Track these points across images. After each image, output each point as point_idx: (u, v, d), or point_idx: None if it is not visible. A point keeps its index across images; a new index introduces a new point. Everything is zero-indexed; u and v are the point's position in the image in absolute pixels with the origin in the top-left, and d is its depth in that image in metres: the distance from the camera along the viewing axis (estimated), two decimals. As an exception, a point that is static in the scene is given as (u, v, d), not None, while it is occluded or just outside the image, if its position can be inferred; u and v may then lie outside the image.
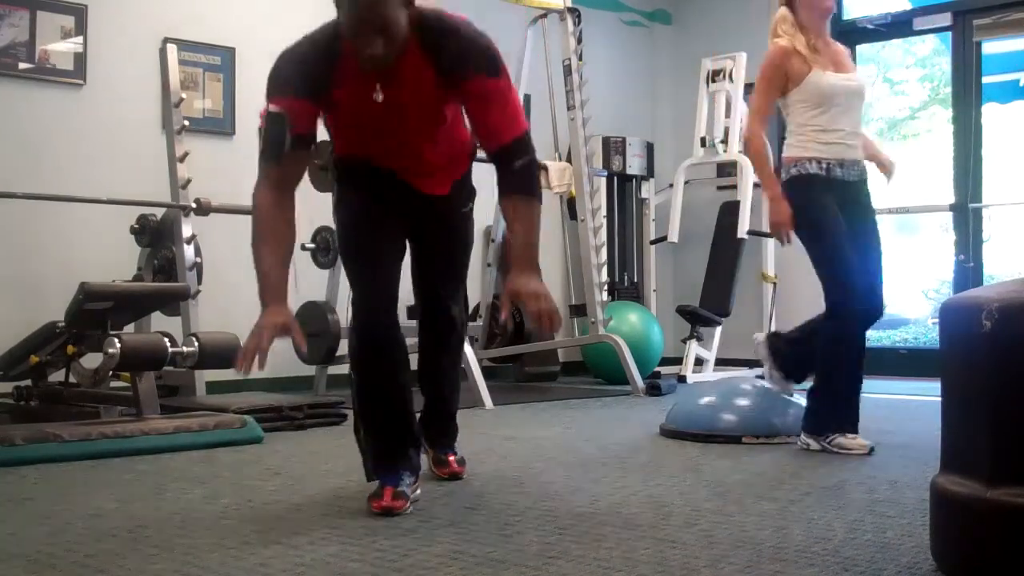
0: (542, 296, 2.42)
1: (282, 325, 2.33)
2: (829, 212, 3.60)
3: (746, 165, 6.94)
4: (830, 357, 3.63)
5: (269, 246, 2.39)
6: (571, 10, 6.11)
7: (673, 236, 7.15)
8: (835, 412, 3.62)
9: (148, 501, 2.79)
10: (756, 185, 7.10)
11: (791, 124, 3.69)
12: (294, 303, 5.66)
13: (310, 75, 2.41)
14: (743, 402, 4.02)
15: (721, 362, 7.05)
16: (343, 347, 5.23)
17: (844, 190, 3.65)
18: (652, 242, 7.66)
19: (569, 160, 6.28)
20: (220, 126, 5.77)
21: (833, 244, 3.58)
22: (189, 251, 4.95)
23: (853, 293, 3.56)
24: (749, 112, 3.83)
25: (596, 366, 6.70)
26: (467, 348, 4.62)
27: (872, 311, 3.67)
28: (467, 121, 2.68)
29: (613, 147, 7.42)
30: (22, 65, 5.10)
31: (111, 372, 4.09)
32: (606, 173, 7.35)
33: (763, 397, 4.05)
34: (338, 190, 2.75)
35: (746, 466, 3.36)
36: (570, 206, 6.49)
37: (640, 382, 5.83)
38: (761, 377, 4.18)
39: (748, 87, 7.10)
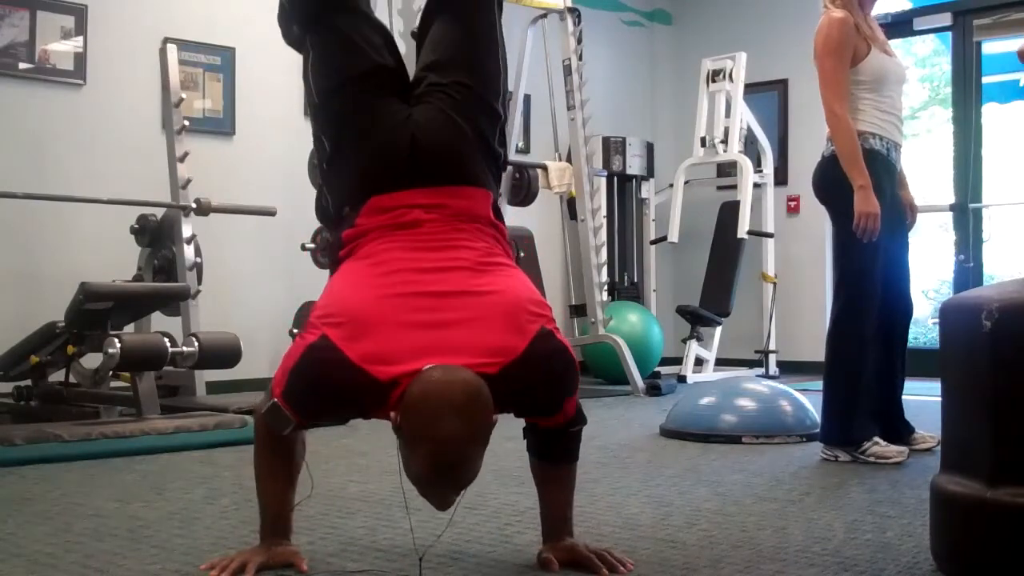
0: (605, 552, 2.07)
1: (262, 565, 1.99)
2: (885, 198, 3.38)
3: (746, 165, 6.95)
4: (855, 360, 3.41)
5: (271, 472, 2.05)
6: (571, 10, 6.11)
7: (673, 236, 7.15)
8: (863, 418, 3.41)
9: (148, 501, 2.79)
10: (756, 185, 7.14)
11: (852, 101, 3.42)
12: (293, 303, 5.64)
13: (333, 412, 2.09)
14: (743, 402, 4.02)
15: (721, 362, 7.05)
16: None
17: (894, 176, 3.51)
18: (652, 242, 7.66)
19: (569, 160, 6.28)
20: (220, 126, 5.77)
21: (875, 241, 3.36)
22: (189, 251, 4.95)
23: (875, 290, 3.40)
24: (827, 92, 3.40)
25: (596, 366, 6.69)
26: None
27: (907, 310, 3.61)
28: None
29: (613, 147, 7.41)
30: (22, 65, 5.10)
31: (111, 372, 4.09)
32: (606, 173, 7.35)
33: (763, 397, 4.06)
34: None
35: (746, 466, 3.36)
36: (570, 206, 6.49)
37: (640, 382, 5.83)
38: (763, 376, 4.17)
39: (748, 87, 7.12)
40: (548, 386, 1.97)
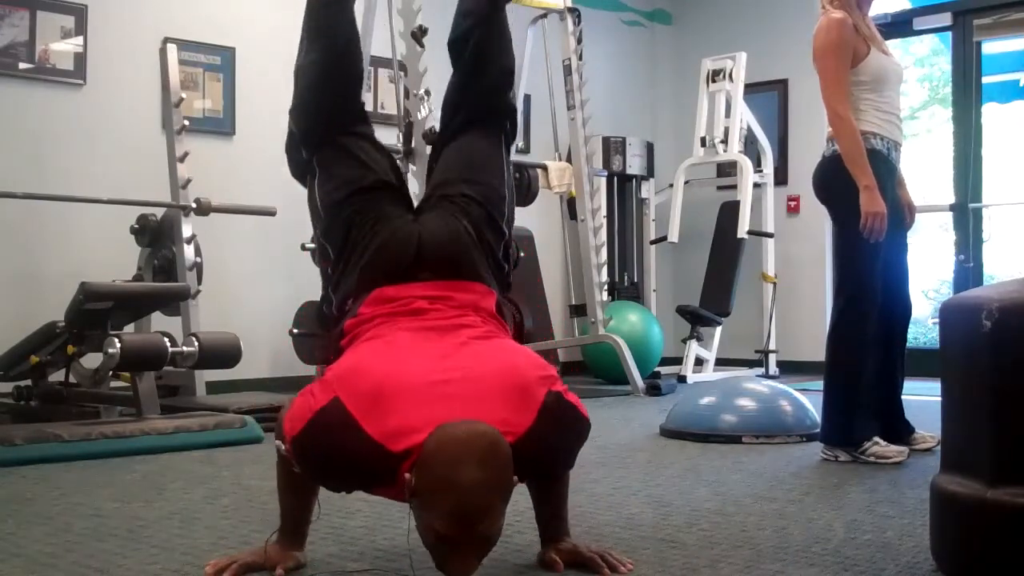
0: (606, 552, 2.09)
1: (267, 565, 2.01)
2: (887, 199, 3.37)
3: (746, 165, 6.95)
4: (856, 360, 3.41)
5: (288, 486, 2.05)
6: (571, 10, 6.11)
7: (673, 236, 7.15)
8: (863, 418, 3.42)
9: (148, 501, 2.79)
10: (756, 185, 7.14)
11: (855, 102, 3.42)
12: (293, 304, 5.64)
13: (338, 481, 1.96)
14: (743, 402, 4.02)
15: (721, 362, 7.05)
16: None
17: (895, 176, 3.53)
18: (652, 242, 7.66)
19: (569, 160, 6.28)
20: (220, 126, 5.77)
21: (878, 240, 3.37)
22: (189, 251, 4.95)
23: (876, 291, 3.41)
24: (829, 93, 3.40)
25: (596, 366, 6.70)
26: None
27: (905, 311, 3.62)
28: None
29: (613, 147, 7.42)
30: (22, 65, 5.10)
31: (111, 372, 4.09)
32: (606, 173, 7.35)
33: (763, 397, 4.06)
34: None
35: (746, 466, 3.36)
36: (570, 206, 6.49)
37: (640, 382, 5.83)
38: (763, 376, 4.17)
39: (748, 87, 7.13)
40: (560, 453, 2.01)
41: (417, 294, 2.07)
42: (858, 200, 3.32)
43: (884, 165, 3.43)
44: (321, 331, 2.36)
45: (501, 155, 2.34)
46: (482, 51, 2.37)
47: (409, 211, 2.21)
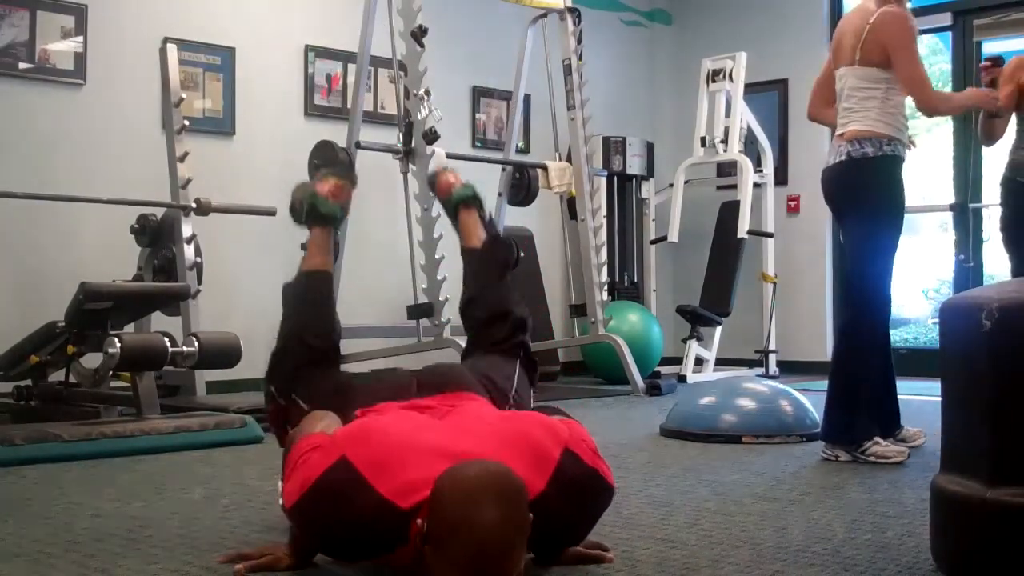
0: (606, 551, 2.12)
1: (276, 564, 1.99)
2: (902, 204, 3.49)
3: (746, 165, 6.95)
4: (864, 362, 3.45)
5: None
6: (571, 10, 6.11)
7: (673, 236, 7.15)
8: (865, 418, 3.44)
9: (148, 501, 2.79)
10: (756, 185, 7.14)
11: (876, 99, 3.43)
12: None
13: (343, 547, 1.90)
14: (743, 402, 4.02)
15: (721, 362, 7.05)
16: (342, 348, 5.22)
17: None
18: (652, 242, 7.66)
19: (569, 160, 6.28)
20: (220, 126, 5.77)
21: (897, 239, 3.46)
22: (189, 251, 4.95)
23: (888, 295, 3.48)
24: (916, 83, 3.39)
25: (596, 366, 6.70)
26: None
27: (890, 307, 3.65)
28: None
29: (613, 147, 7.41)
30: (22, 65, 5.10)
31: (111, 372, 4.09)
32: (606, 173, 7.35)
33: (763, 397, 4.06)
34: None
35: (746, 466, 3.36)
36: (570, 206, 6.48)
37: (640, 382, 5.83)
38: (763, 376, 4.17)
39: (748, 87, 7.12)
40: (576, 522, 1.93)
41: (417, 404, 2.14)
42: (884, 202, 3.41)
43: (901, 170, 3.48)
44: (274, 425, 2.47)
45: (512, 373, 2.46)
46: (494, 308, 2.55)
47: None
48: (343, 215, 2.57)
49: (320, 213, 2.51)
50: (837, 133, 3.57)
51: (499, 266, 2.63)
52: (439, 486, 1.64)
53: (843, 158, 3.46)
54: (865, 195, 3.43)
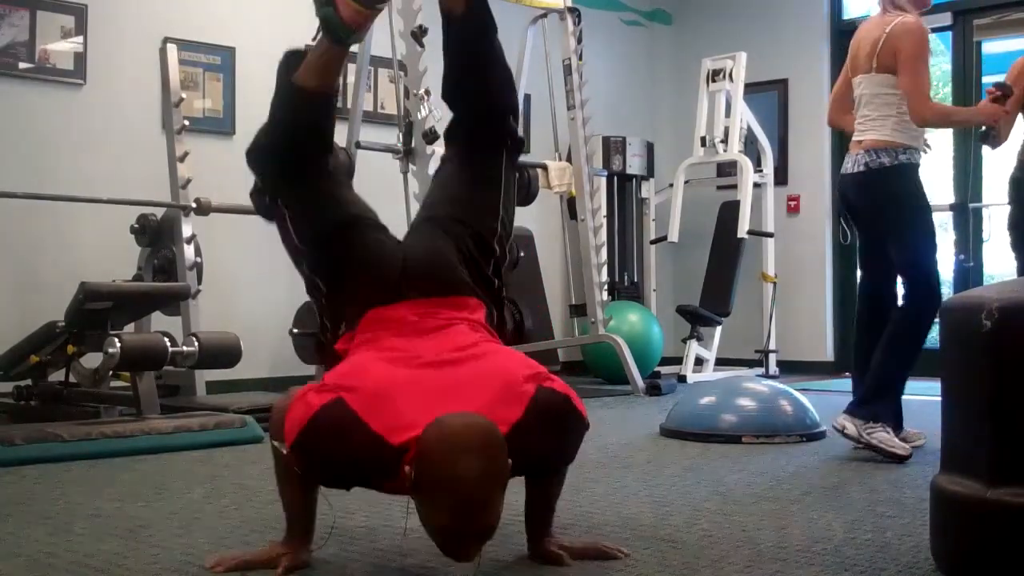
0: (598, 541, 2.20)
1: (277, 561, 2.03)
2: (928, 206, 3.60)
3: (746, 165, 6.95)
4: (911, 354, 3.51)
5: (287, 477, 2.06)
6: (571, 10, 6.11)
7: (673, 236, 7.15)
8: (889, 405, 3.51)
9: (148, 501, 2.79)
10: (756, 185, 7.14)
11: (893, 107, 3.54)
12: (293, 303, 5.64)
13: (340, 478, 2.02)
14: (743, 402, 4.02)
15: (721, 362, 7.05)
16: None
17: None
18: (652, 242, 7.66)
19: (569, 160, 6.28)
20: (220, 126, 5.76)
21: (935, 239, 3.58)
22: (189, 251, 4.95)
23: (939, 288, 3.55)
24: (915, 93, 3.47)
25: (596, 366, 6.69)
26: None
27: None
28: None
29: (613, 147, 7.41)
30: (22, 65, 5.10)
31: (111, 372, 4.09)
32: (606, 173, 7.34)
33: (763, 397, 4.06)
34: None
35: (746, 466, 3.36)
36: (570, 206, 6.48)
37: (640, 382, 5.83)
38: (763, 376, 4.18)
39: (748, 87, 7.12)
40: (552, 446, 2.02)
41: (405, 313, 2.12)
42: (923, 202, 3.54)
43: (918, 174, 3.57)
44: (320, 360, 2.45)
45: (499, 169, 2.33)
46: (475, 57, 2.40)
47: (392, 239, 2.28)
48: (357, 40, 2.30)
49: (338, 36, 2.17)
50: (855, 139, 3.67)
51: (478, 33, 2.41)
52: (425, 440, 1.79)
53: (861, 168, 3.57)
54: (893, 209, 3.55)
